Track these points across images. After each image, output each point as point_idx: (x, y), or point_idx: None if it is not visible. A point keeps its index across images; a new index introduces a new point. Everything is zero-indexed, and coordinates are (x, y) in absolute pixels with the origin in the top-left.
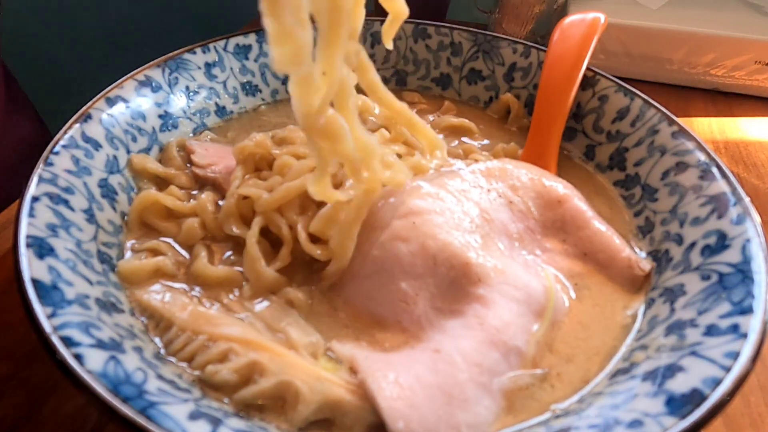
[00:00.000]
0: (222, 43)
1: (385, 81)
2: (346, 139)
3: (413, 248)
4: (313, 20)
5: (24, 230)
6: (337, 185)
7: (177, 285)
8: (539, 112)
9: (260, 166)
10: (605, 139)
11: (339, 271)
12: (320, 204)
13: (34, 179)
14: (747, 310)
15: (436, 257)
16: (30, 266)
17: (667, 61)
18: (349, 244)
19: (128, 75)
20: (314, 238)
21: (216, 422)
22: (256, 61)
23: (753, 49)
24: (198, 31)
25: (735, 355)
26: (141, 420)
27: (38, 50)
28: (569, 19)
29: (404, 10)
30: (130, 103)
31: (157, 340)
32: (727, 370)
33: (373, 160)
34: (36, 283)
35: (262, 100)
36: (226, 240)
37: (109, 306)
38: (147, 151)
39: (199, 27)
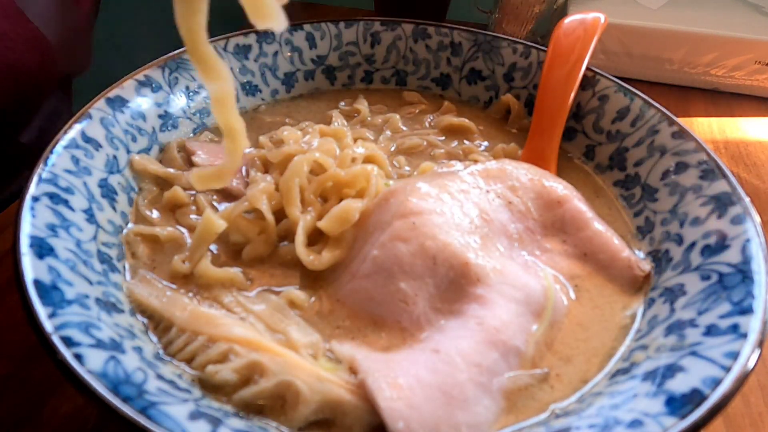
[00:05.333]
0: (222, 43)
1: (385, 81)
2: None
3: (413, 248)
4: None
5: (24, 230)
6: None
7: (177, 285)
8: (539, 112)
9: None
10: (605, 139)
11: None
12: (326, 198)
13: (34, 179)
14: (747, 310)
15: (436, 257)
16: (30, 266)
17: (667, 61)
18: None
19: (128, 75)
20: (311, 241)
21: (216, 422)
22: (256, 61)
23: (753, 49)
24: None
25: (735, 355)
26: (141, 420)
27: None
28: (569, 19)
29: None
30: (130, 103)
31: (156, 340)
32: (727, 370)
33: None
34: (36, 283)
35: (262, 100)
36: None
37: (109, 306)
38: (147, 151)
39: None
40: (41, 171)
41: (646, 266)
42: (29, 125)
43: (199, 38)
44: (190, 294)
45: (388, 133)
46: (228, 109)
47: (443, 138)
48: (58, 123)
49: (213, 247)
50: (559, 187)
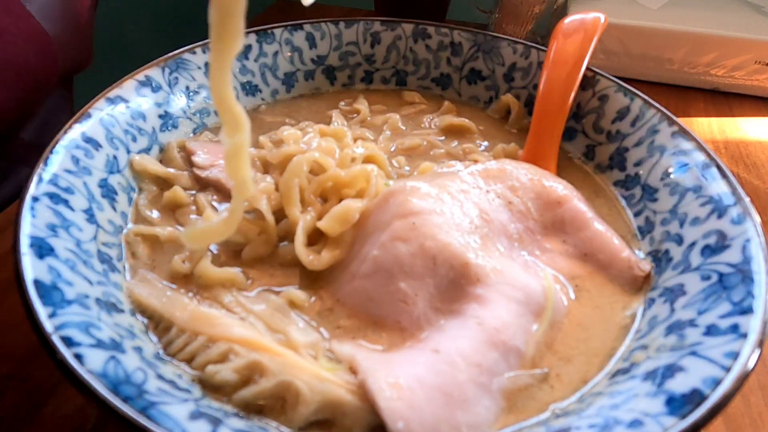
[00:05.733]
0: None
1: (385, 81)
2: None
3: (413, 248)
4: None
5: (24, 230)
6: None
7: (177, 285)
8: (539, 112)
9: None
10: (605, 139)
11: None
12: (326, 199)
13: (34, 179)
14: (747, 310)
15: (436, 257)
16: (30, 266)
17: (667, 61)
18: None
19: (128, 75)
20: (311, 241)
21: (216, 422)
22: (256, 61)
23: (753, 49)
24: (197, 31)
25: (735, 355)
26: (141, 420)
27: None
28: (569, 19)
29: None
30: (130, 103)
31: (156, 340)
32: (727, 370)
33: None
34: (36, 283)
35: (262, 100)
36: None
37: (109, 306)
38: (147, 151)
39: (199, 27)
40: (41, 171)
41: (646, 266)
42: (31, 122)
43: (229, 100)
44: (190, 294)
45: (388, 133)
46: (242, 161)
47: (443, 138)
48: (59, 120)
49: (213, 247)
50: (559, 187)
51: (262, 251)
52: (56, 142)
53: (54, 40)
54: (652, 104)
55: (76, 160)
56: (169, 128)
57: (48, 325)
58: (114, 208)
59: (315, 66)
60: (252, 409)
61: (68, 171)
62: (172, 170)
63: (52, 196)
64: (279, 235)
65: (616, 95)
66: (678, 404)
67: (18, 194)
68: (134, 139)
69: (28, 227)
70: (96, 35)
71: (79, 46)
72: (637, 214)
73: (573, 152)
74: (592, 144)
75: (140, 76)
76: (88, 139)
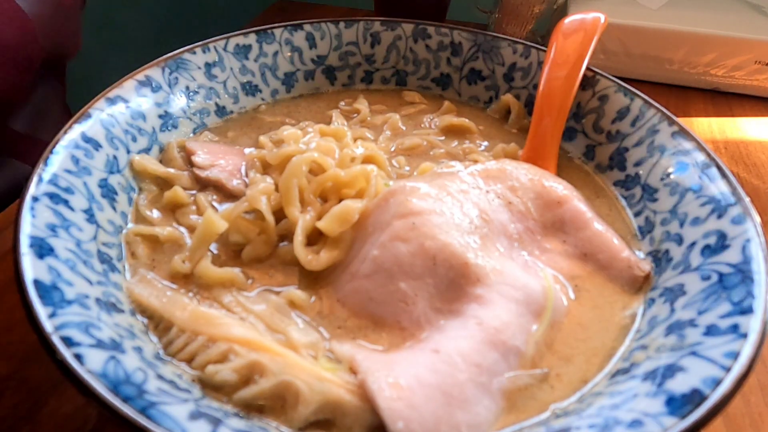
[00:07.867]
0: (222, 42)
1: (385, 81)
2: None
3: (413, 248)
4: None
5: (24, 230)
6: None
7: (177, 285)
8: (539, 112)
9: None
10: (605, 140)
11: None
12: (326, 199)
13: (34, 179)
14: (747, 310)
15: (436, 257)
16: (30, 266)
17: (667, 61)
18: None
19: (128, 75)
20: (311, 241)
21: (216, 422)
22: (256, 61)
23: (753, 49)
24: (197, 30)
25: (735, 355)
26: (141, 420)
27: None
28: (569, 19)
29: None
30: (130, 103)
31: (156, 340)
32: (727, 370)
33: None
34: (36, 283)
35: (262, 100)
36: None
37: (109, 306)
38: (147, 151)
39: (199, 25)
40: (41, 171)
41: (646, 266)
42: (21, 112)
43: None
44: (190, 294)
45: (388, 133)
46: None
47: (443, 138)
48: (51, 111)
49: (213, 247)
50: (559, 187)
51: (262, 251)
52: (56, 142)
53: (34, 20)
54: (652, 104)
55: (76, 160)
56: (169, 128)
57: (48, 325)
58: (114, 208)
59: (315, 66)
60: (252, 409)
61: (68, 171)
62: (172, 170)
63: (52, 196)
64: (279, 235)
65: (616, 95)
66: (678, 404)
67: (12, 187)
68: (134, 139)
69: (28, 227)
70: (96, 33)
71: (63, 30)
72: (637, 214)
73: (573, 152)
74: (592, 144)
75: (140, 76)
76: (88, 139)
